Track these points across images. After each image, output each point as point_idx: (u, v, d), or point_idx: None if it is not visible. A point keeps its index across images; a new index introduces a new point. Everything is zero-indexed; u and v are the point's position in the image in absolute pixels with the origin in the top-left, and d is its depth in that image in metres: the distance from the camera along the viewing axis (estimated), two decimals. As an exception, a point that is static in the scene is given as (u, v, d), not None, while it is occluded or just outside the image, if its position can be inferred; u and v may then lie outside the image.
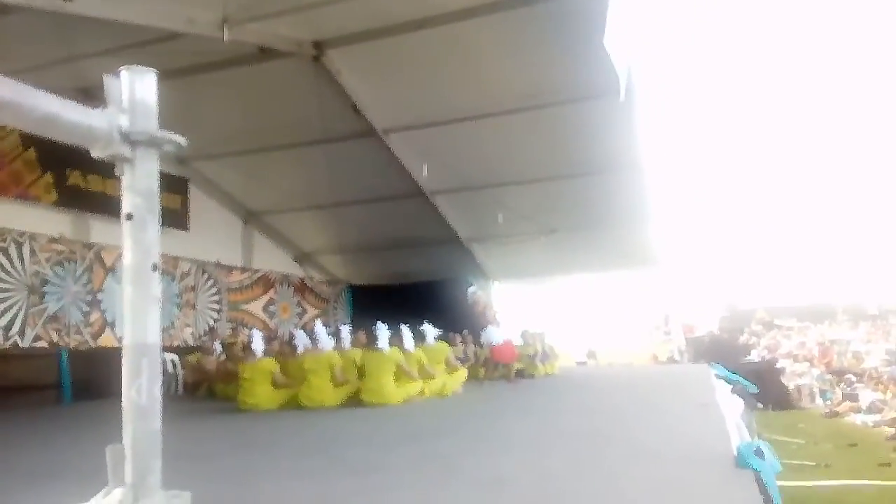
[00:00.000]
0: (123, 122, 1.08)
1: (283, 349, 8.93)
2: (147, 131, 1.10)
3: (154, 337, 1.09)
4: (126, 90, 1.10)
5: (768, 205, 65.19)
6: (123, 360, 1.09)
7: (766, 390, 14.49)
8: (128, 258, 1.10)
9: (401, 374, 7.64)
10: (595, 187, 11.07)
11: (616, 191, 11.01)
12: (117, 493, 1.09)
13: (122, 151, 1.08)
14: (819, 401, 15.74)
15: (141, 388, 1.08)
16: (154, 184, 1.12)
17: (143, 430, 1.09)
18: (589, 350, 21.57)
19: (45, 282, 9.17)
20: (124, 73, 1.12)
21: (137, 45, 7.32)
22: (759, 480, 2.94)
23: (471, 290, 12.90)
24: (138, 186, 1.11)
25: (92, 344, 9.75)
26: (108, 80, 1.10)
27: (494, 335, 11.01)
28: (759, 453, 3.17)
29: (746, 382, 10.00)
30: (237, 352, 9.44)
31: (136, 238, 1.10)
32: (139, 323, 1.08)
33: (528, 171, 10.93)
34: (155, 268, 1.11)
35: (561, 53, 7.93)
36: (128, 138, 1.08)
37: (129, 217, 1.10)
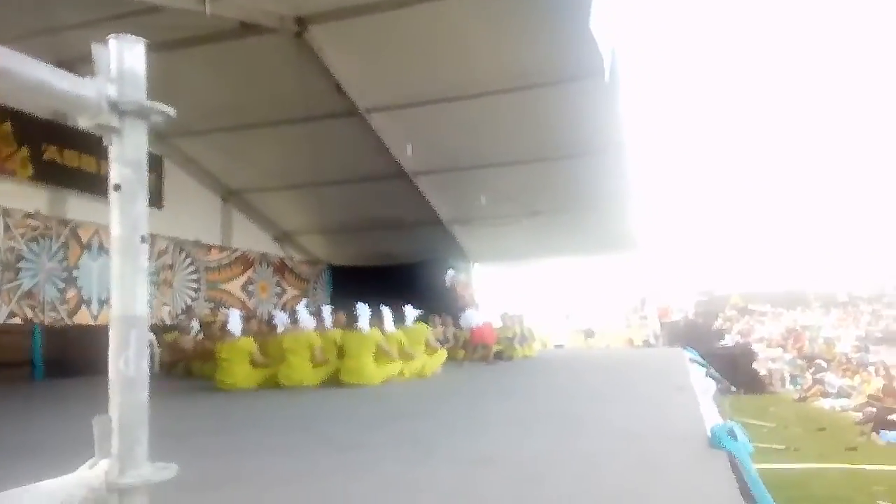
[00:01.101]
0: (112, 91, 1.07)
1: (261, 328, 8.90)
2: (136, 101, 1.08)
3: (142, 309, 1.09)
4: (115, 59, 1.09)
5: (745, 191, 66.00)
6: (111, 332, 1.08)
7: (739, 374, 14.79)
8: (115, 230, 1.09)
9: (380, 355, 7.67)
10: (577, 170, 11.13)
11: (598, 174, 11.09)
12: (103, 463, 1.09)
13: (110, 121, 1.07)
14: (790, 385, 16.10)
15: (129, 360, 1.07)
16: (142, 155, 1.11)
17: (130, 402, 1.09)
18: (587, 329, 21.93)
19: (20, 258, 9.03)
20: (113, 41, 1.10)
21: (117, 17, 7.18)
22: (731, 460, 3.02)
23: (449, 272, 12.94)
24: (126, 157, 1.10)
25: (68, 321, 9.64)
26: (96, 49, 1.08)
27: (474, 317, 11.06)
28: (731, 434, 3.24)
29: (703, 362, 10.18)
30: (215, 331, 9.39)
31: (123, 210, 1.09)
32: (127, 294, 1.08)
33: (511, 152, 10.96)
34: (143, 240, 1.10)
35: (546, 34, 7.93)
36: (116, 108, 1.07)
37: (118, 188, 1.09)
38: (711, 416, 4.50)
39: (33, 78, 0.95)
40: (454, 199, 12.78)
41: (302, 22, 8.11)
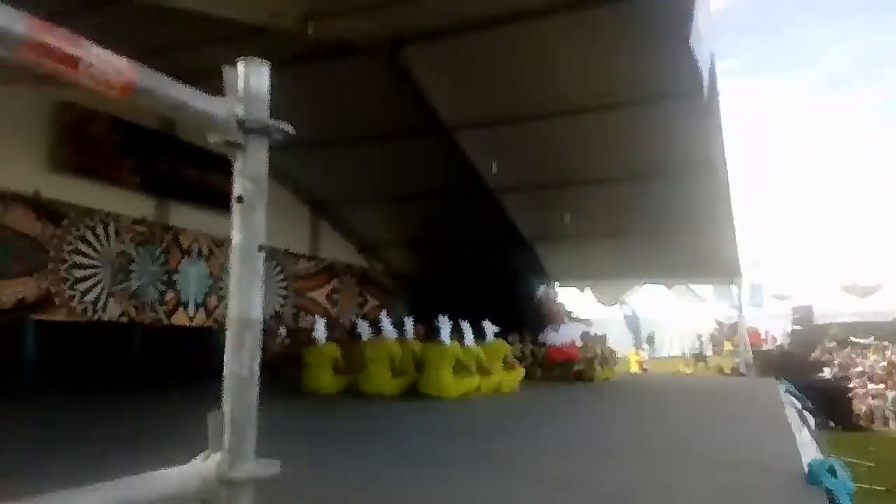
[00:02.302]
0: (239, 110, 1.15)
1: (344, 337, 9.14)
2: (260, 120, 1.17)
3: (257, 313, 1.16)
4: (242, 80, 1.18)
5: (847, 216, 62.08)
6: (227, 334, 1.16)
7: (837, 409, 13.91)
8: (237, 239, 1.17)
9: (459, 369, 7.71)
10: (668, 191, 10.82)
11: (690, 195, 10.72)
12: (216, 457, 1.17)
13: (236, 138, 1.16)
14: (893, 424, 14.99)
15: (243, 361, 1.15)
16: (263, 170, 1.20)
17: (241, 400, 1.16)
18: (695, 355, 21.39)
19: (130, 260, 9.68)
20: (240, 64, 1.19)
21: (221, 38, 7.59)
22: (831, 500, 2.85)
23: (542, 287, 12.83)
24: (249, 172, 1.18)
25: (166, 321, 10.20)
26: (226, 70, 1.18)
27: (555, 336, 10.95)
28: (831, 471, 3.06)
29: (798, 394, 9.63)
30: (301, 337, 9.71)
31: (245, 220, 1.17)
32: (245, 299, 1.16)
33: (598, 171, 10.78)
34: (261, 248, 1.18)
35: (642, 52, 7.77)
36: (243, 126, 1.15)
37: (240, 200, 1.17)
38: (809, 451, 4.27)
39: (174, 98, 1.04)
40: (537, 217, 12.69)
41: (396, 42, 8.32)
